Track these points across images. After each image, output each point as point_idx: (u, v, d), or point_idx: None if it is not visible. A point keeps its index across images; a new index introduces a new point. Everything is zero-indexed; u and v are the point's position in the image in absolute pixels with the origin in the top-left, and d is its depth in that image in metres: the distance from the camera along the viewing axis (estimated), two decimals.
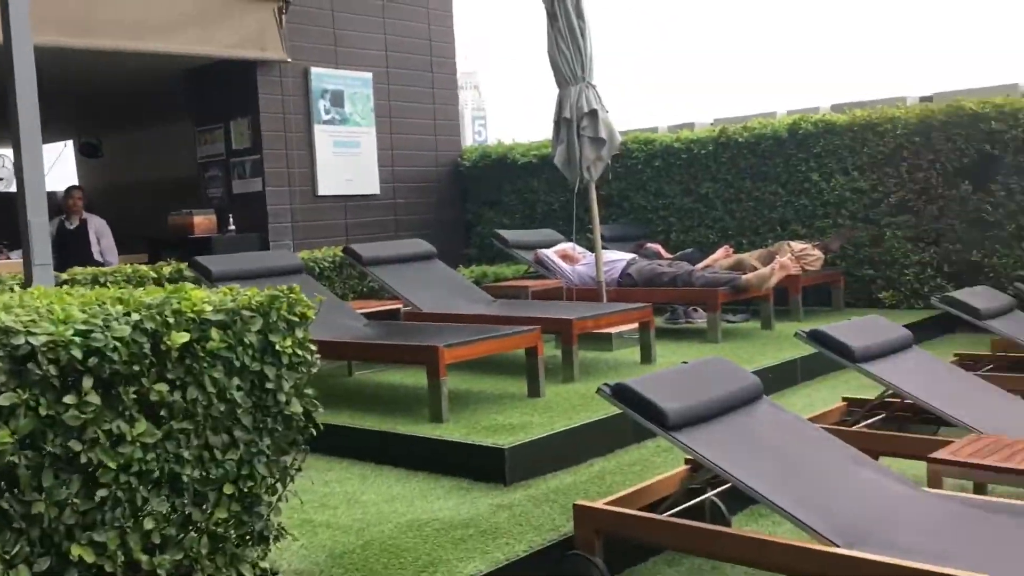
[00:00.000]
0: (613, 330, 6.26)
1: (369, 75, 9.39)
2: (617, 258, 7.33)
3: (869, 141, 7.87)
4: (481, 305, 6.34)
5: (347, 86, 9.17)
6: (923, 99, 8.83)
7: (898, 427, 4.46)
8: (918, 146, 7.62)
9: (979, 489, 3.55)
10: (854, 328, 4.34)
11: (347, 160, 9.21)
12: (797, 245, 7.41)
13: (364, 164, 9.37)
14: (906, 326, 4.86)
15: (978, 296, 5.45)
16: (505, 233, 7.91)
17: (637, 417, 3.13)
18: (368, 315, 6.10)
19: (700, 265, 7.29)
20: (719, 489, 3.38)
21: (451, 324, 5.56)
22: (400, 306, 6.53)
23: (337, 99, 9.09)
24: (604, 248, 7.19)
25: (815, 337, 4.21)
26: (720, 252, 7.62)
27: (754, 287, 6.70)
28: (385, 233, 9.24)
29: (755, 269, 6.99)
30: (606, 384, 3.23)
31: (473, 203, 10.35)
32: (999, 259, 7.26)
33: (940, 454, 3.35)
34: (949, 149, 7.47)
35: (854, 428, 4.20)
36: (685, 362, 3.57)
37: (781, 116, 8.99)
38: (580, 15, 6.49)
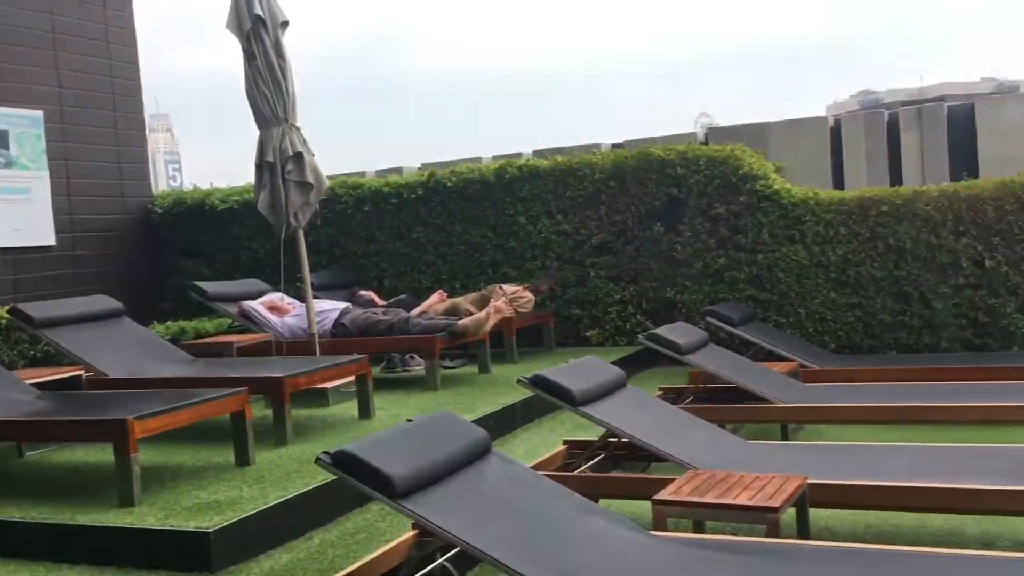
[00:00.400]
0: (328, 385, 5.91)
1: (39, 113, 8.37)
2: (330, 307, 6.99)
3: (571, 185, 8.18)
4: (179, 366, 5.73)
5: (11, 125, 8.10)
6: (615, 146, 9.38)
7: (615, 465, 4.54)
8: (614, 190, 8.03)
9: (698, 526, 3.62)
10: (572, 371, 4.35)
11: (14, 208, 8.11)
12: (509, 288, 7.49)
13: (36, 212, 8.30)
14: (614, 362, 4.98)
15: (677, 332, 5.74)
16: (204, 285, 7.30)
17: (361, 487, 2.85)
18: (41, 385, 5.29)
19: (416, 311, 7.14)
20: (451, 553, 3.18)
21: (143, 391, 4.95)
22: (82, 372, 5.75)
23: (0, 140, 8.00)
24: (315, 297, 6.83)
25: (537, 383, 4.16)
26: (435, 297, 7.53)
27: (471, 332, 6.65)
28: (64, 289, 8.21)
29: (470, 313, 6.95)
30: (325, 452, 2.92)
31: (169, 253, 9.53)
32: (689, 295, 7.77)
33: (663, 495, 3.37)
34: (642, 193, 7.93)
35: (577, 472, 4.19)
36: (410, 420, 3.34)
37: (487, 161, 9.14)
38: (280, 54, 6.15)
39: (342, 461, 2.88)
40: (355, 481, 2.86)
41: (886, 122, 9.05)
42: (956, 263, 6.75)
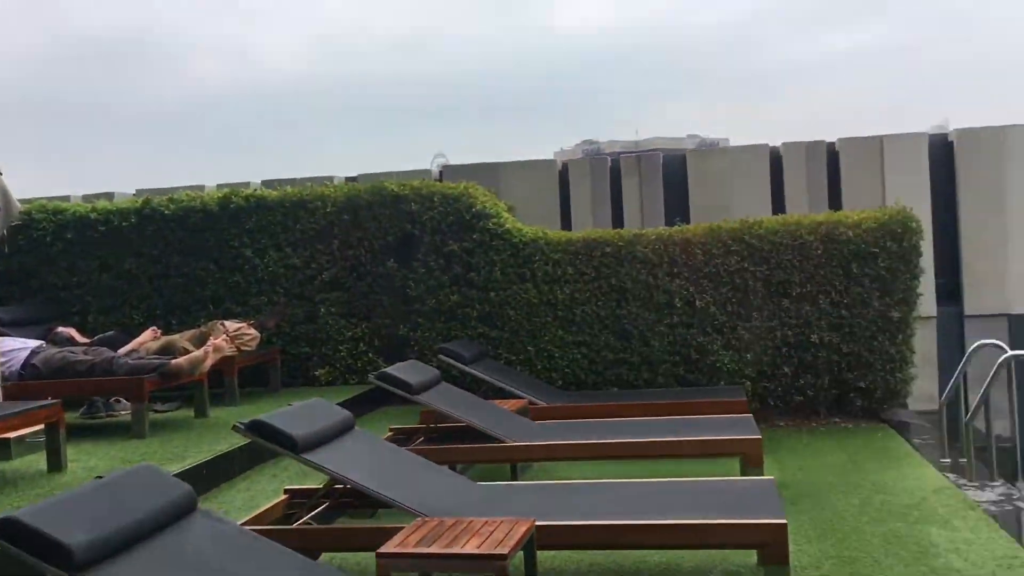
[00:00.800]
0: (12, 435, 5.16)
1: None
2: (19, 346, 6.17)
3: (301, 218, 7.85)
4: None
5: None
6: (349, 179, 9.17)
7: (341, 514, 4.28)
8: (347, 224, 7.80)
9: None
10: (295, 415, 4.07)
11: None
12: (232, 324, 7.03)
13: None
14: (343, 403, 4.75)
15: (409, 371, 5.60)
16: None
17: (32, 560, 2.42)
18: None
19: (124, 350, 6.49)
20: None
21: None
22: None
23: None
24: (2, 335, 6.01)
25: (255, 429, 3.84)
26: (147, 334, 6.90)
27: (186, 372, 6.12)
28: None
29: (187, 352, 6.41)
30: None
31: None
32: (422, 332, 7.67)
33: (388, 547, 3.17)
34: (375, 228, 7.77)
35: (297, 525, 3.90)
36: (100, 476, 2.93)
37: (211, 189, 8.60)
38: None
39: (7, 530, 2.44)
40: (26, 554, 2.44)
41: (609, 168, 9.52)
42: (671, 303, 7.15)
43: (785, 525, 3.41)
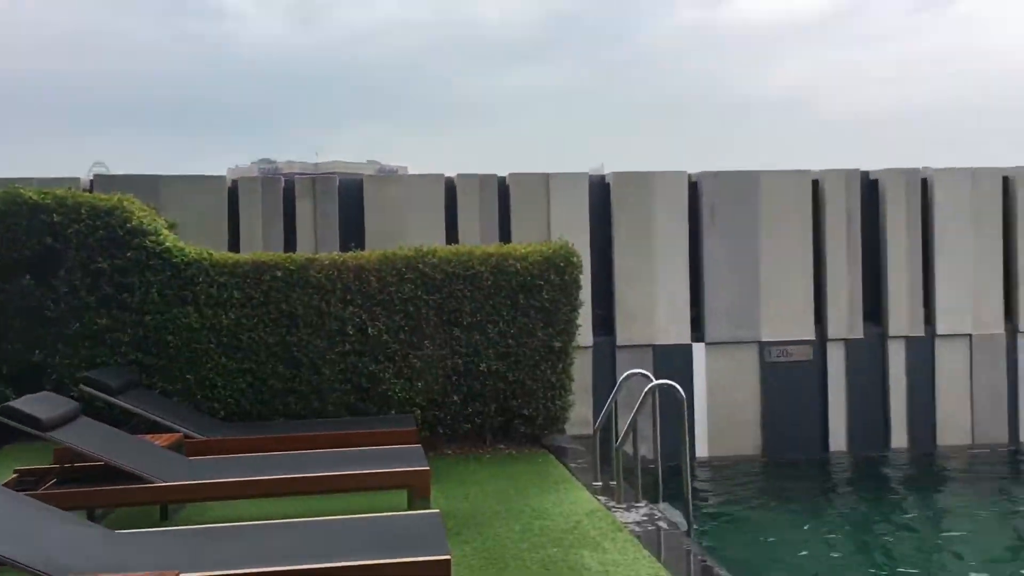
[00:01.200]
0: None
1: None
2: None
3: None
4: None
5: None
6: None
7: None
8: None
9: None
10: None
11: None
12: None
13: None
14: None
15: (40, 404, 4.92)
16: None
17: None
18: None
19: None
20: None
21: None
22: None
23: None
24: None
25: None
26: None
27: None
28: None
29: None
30: None
31: None
32: (63, 359, 6.83)
33: None
34: (8, 239, 6.83)
35: None
36: None
37: None
38: None
39: None
40: None
41: (283, 188, 9.19)
42: (343, 330, 6.96)
43: (449, 561, 3.35)
